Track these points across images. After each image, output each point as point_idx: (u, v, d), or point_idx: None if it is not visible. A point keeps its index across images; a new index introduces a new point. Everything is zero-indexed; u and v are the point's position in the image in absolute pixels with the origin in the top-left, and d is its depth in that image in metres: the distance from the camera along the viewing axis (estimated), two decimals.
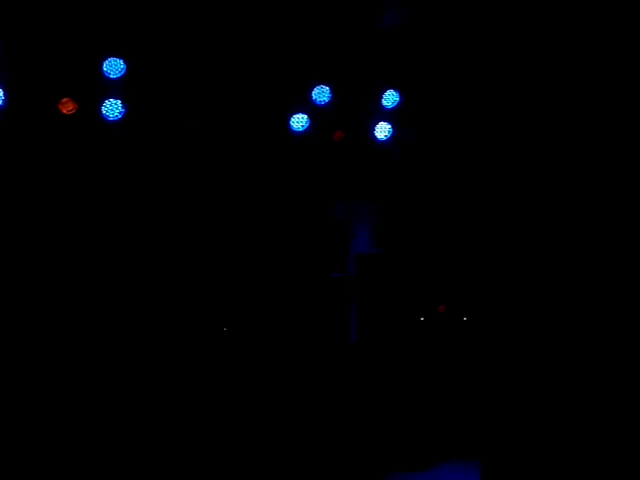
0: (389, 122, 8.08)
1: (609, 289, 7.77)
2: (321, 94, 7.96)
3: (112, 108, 7.49)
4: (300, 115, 7.92)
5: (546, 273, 8.00)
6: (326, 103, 7.96)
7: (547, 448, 7.09)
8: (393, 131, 8.07)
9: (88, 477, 7.28)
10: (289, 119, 7.91)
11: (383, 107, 8.07)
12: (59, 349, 7.58)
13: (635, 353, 7.63)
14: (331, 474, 7.70)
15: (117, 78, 7.50)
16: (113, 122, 7.51)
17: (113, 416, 7.55)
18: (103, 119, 7.49)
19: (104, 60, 7.47)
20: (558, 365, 7.67)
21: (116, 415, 7.55)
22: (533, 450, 7.10)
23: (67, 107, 7.44)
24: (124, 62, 7.49)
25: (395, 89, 8.06)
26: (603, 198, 8.02)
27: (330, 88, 7.95)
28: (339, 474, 7.71)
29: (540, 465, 6.99)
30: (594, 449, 6.97)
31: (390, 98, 8.07)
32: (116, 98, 7.49)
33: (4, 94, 7.28)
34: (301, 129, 7.93)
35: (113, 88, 7.49)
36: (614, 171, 8.00)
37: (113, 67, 7.49)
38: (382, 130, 8.08)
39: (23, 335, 7.55)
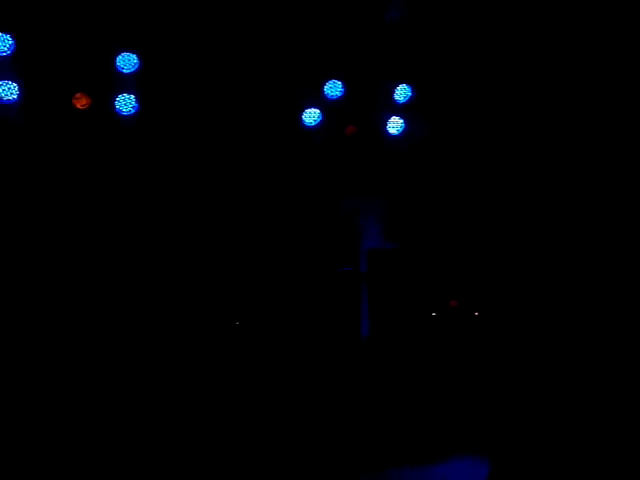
0: (401, 117, 8.08)
1: (624, 286, 7.77)
2: (333, 89, 7.96)
3: (126, 103, 7.50)
4: (312, 110, 7.93)
5: (558, 268, 8.01)
6: (338, 98, 7.96)
7: (557, 444, 7.10)
8: (405, 126, 8.08)
9: (94, 476, 7.35)
10: (301, 114, 7.92)
11: (395, 102, 8.07)
12: (73, 343, 7.64)
13: None
14: (341, 466, 7.74)
15: (131, 73, 7.49)
16: (127, 117, 7.53)
17: (124, 410, 7.60)
18: (117, 114, 7.50)
19: (118, 55, 7.46)
20: (570, 360, 7.68)
21: (127, 409, 7.61)
22: (543, 446, 7.12)
23: (81, 102, 7.44)
24: (138, 57, 7.49)
25: (407, 84, 8.06)
26: (618, 192, 8.02)
27: (342, 83, 7.95)
28: (350, 466, 7.75)
29: (549, 461, 7.01)
30: (604, 447, 6.98)
31: (402, 93, 8.07)
32: (130, 93, 7.50)
33: (19, 89, 7.30)
34: (313, 124, 7.93)
35: (127, 83, 7.49)
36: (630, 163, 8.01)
37: (127, 62, 7.48)
38: (394, 125, 8.09)
39: (37, 326, 7.63)
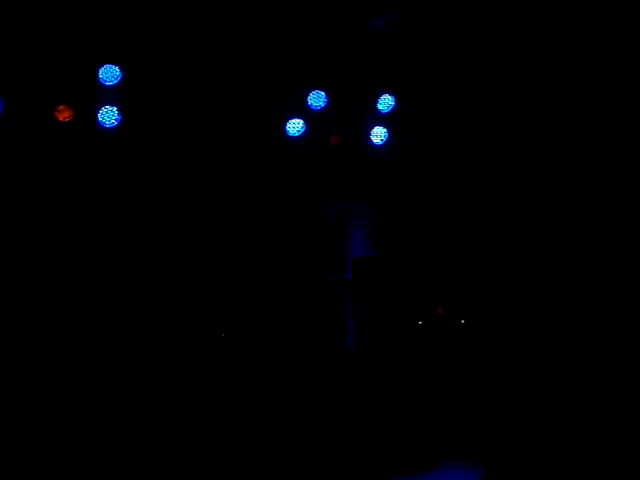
0: (385, 126, 8.09)
1: (606, 290, 7.78)
2: (317, 99, 7.98)
3: (108, 115, 7.50)
4: (296, 120, 7.94)
5: (543, 275, 8.01)
6: (322, 108, 7.98)
7: (546, 449, 7.09)
8: (389, 135, 8.09)
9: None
10: (285, 124, 7.92)
11: (379, 111, 8.09)
12: (54, 359, 7.60)
13: (634, 356, 7.63)
14: (331, 478, 7.70)
15: (113, 85, 7.50)
16: (109, 129, 7.52)
17: (110, 424, 7.55)
18: (99, 126, 7.50)
19: (100, 67, 7.48)
20: (556, 367, 7.67)
21: (113, 423, 7.56)
22: (533, 451, 7.10)
23: (63, 114, 7.45)
24: (120, 69, 7.50)
25: (390, 93, 8.08)
26: (599, 203, 8.03)
27: (326, 93, 7.97)
28: (339, 478, 7.71)
29: (540, 466, 7.00)
30: (594, 450, 6.97)
31: (385, 102, 8.09)
32: (112, 105, 7.50)
33: (1, 102, 7.29)
34: (297, 134, 7.94)
35: (109, 95, 7.50)
36: (609, 174, 8.01)
37: (109, 74, 7.50)
38: (378, 134, 8.10)
39: (18, 345, 7.58)
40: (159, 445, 7.60)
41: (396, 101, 8.09)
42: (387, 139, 8.09)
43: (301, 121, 7.94)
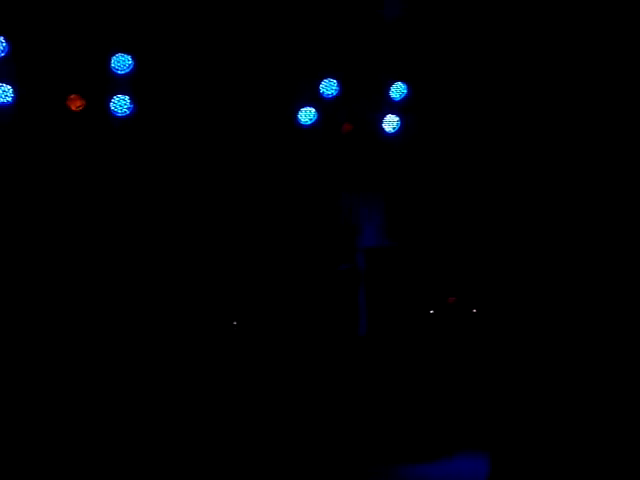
0: (397, 114, 8.07)
1: (617, 285, 7.76)
2: (329, 87, 7.96)
3: (120, 104, 7.50)
4: (308, 108, 7.93)
5: (555, 265, 8.00)
6: (334, 96, 7.96)
7: (555, 440, 7.10)
8: (401, 123, 8.07)
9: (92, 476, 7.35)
10: (297, 112, 7.92)
11: (391, 99, 8.07)
12: (72, 343, 7.65)
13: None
14: (340, 464, 7.74)
15: (125, 74, 7.49)
16: (121, 118, 7.53)
17: (123, 410, 7.60)
18: (111, 115, 7.50)
19: (112, 56, 7.47)
20: (567, 357, 7.67)
21: (126, 409, 7.61)
22: (541, 441, 7.11)
23: (75, 103, 7.45)
24: (132, 58, 7.49)
25: (403, 81, 8.06)
26: (611, 188, 8.00)
27: (338, 81, 7.95)
28: (348, 465, 7.75)
29: (548, 456, 7.01)
30: (601, 442, 6.97)
31: (398, 90, 8.07)
32: (124, 94, 7.50)
33: (14, 91, 7.30)
34: (309, 122, 7.93)
35: (121, 84, 7.49)
36: (623, 159, 7.99)
37: (121, 63, 7.48)
38: (390, 122, 8.08)
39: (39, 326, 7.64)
40: (172, 429, 7.65)
41: (408, 89, 8.07)
42: (399, 127, 8.07)
43: (313, 109, 7.93)
